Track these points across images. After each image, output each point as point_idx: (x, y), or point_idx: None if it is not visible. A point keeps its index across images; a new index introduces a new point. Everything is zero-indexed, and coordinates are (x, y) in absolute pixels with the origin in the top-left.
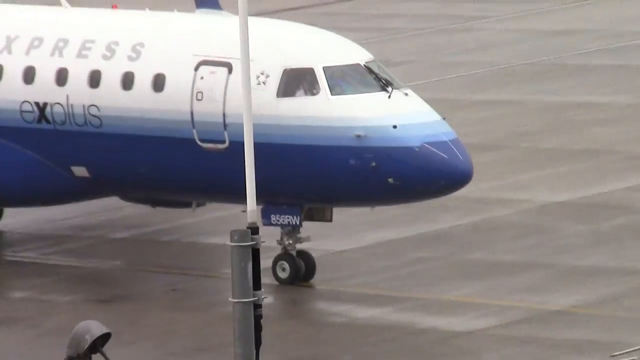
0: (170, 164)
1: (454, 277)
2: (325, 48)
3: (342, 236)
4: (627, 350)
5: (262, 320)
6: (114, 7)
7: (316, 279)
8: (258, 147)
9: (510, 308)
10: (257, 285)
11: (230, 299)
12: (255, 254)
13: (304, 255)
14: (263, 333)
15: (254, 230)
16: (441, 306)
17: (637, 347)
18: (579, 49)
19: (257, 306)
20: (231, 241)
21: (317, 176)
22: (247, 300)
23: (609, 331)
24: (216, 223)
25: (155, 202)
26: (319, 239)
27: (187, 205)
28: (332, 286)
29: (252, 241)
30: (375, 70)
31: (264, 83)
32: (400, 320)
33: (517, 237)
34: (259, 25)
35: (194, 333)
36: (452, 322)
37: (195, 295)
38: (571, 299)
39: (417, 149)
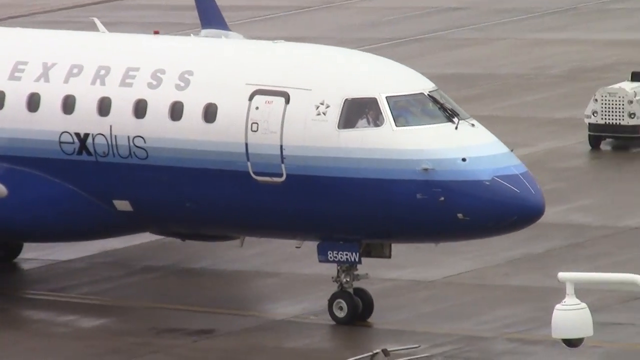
0: (222, 197)
1: (180, 286)
2: (387, 76)
3: (67, 245)
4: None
5: None
6: (155, 32)
7: (39, 289)
8: (317, 180)
9: (237, 317)
10: None
11: None
12: None
13: (360, 292)
14: None
15: None
16: (168, 316)
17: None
18: None
19: None
20: None
21: (381, 211)
22: None
23: (334, 340)
24: None
25: (186, 236)
26: (46, 249)
27: (220, 239)
28: (56, 296)
29: None
30: (440, 100)
31: (324, 114)
32: (128, 330)
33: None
34: (317, 53)
35: None
36: (178, 333)
37: None
38: (297, 308)
39: (487, 183)
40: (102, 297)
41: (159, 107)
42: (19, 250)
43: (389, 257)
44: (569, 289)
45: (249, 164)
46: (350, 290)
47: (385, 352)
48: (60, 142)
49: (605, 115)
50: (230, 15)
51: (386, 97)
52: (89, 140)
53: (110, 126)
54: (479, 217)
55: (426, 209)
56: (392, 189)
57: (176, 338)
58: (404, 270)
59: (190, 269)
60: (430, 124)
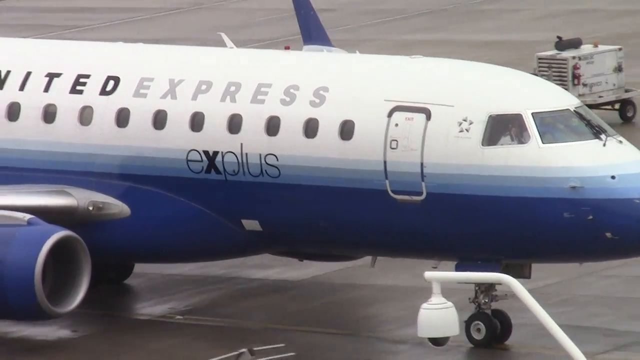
0: (357, 217)
1: None
2: (532, 92)
3: None
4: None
5: None
6: (286, 48)
7: None
8: (459, 198)
9: (102, 317)
10: None
11: None
12: None
13: (499, 314)
14: None
15: None
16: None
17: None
18: None
19: None
20: None
21: (525, 230)
22: None
23: (199, 340)
24: None
25: (305, 256)
26: None
27: (344, 259)
28: None
29: None
30: (586, 116)
31: (467, 130)
32: None
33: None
34: (460, 68)
35: None
36: (43, 331)
37: None
38: (163, 308)
39: (638, 201)
40: None
41: (292, 124)
42: (129, 271)
43: (529, 277)
44: (436, 288)
45: (387, 182)
46: (489, 312)
47: (251, 352)
48: (188, 160)
49: None
50: (97, 17)
51: (532, 113)
52: (219, 158)
53: (241, 144)
54: (628, 237)
55: (573, 228)
56: (538, 207)
57: (45, 337)
58: (271, 270)
59: None
60: (577, 140)
